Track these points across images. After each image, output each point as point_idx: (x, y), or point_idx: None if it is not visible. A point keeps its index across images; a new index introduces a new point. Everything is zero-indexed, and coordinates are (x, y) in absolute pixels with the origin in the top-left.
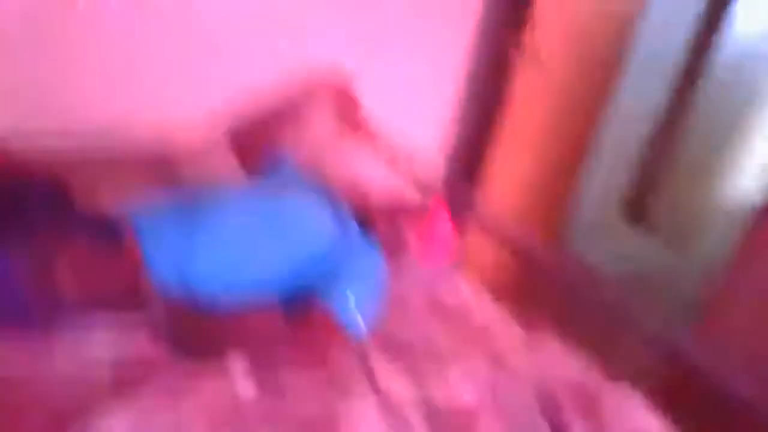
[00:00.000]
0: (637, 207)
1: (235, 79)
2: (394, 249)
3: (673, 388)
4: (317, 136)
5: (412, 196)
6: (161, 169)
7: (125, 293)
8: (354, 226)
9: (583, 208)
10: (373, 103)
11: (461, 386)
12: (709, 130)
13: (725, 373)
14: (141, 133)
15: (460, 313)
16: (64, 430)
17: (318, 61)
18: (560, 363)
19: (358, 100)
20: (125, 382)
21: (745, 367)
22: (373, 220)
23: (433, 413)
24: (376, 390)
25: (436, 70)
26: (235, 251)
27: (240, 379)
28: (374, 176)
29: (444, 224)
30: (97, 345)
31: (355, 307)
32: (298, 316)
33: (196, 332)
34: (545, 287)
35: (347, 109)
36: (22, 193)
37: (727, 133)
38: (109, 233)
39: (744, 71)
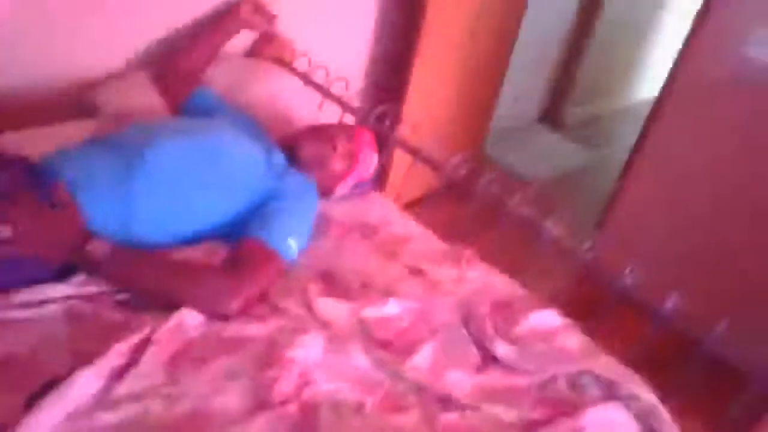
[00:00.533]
0: (554, 112)
1: (153, 10)
2: (321, 174)
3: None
4: (236, 60)
5: (335, 118)
6: (83, 109)
7: (67, 251)
8: (281, 156)
9: (502, 116)
10: (293, 25)
11: (397, 313)
12: (618, 34)
13: (621, 274)
14: (58, 75)
15: (389, 236)
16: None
17: None
18: (485, 279)
19: (275, 21)
20: (80, 336)
21: (643, 264)
22: (298, 147)
23: (371, 341)
24: (317, 319)
25: None
26: (171, 195)
27: (184, 313)
28: (296, 99)
29: (370, 147)
30: (50, 296)
31: (291, 239)
32: (235, 253)
33: (142, 279)
34: (467, 202)
35: (265, 30)
36: None
37: (636, 32)
38: (39, 181)
39: None
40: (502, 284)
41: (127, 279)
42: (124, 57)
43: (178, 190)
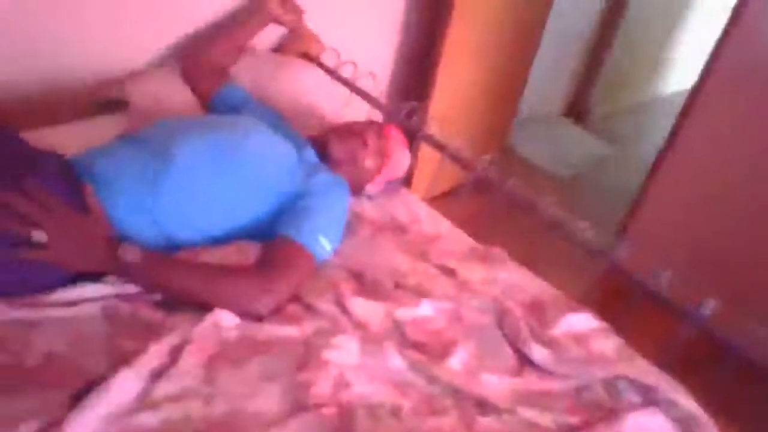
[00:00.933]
0: (579, 106)
1: (181, 7)
2: (352, 172)
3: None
4: (264, 56)
5: (364, 115)
6: (112, 105)
7: (99, 257)
8: (312, 154)
9: (527, 110)
10: (318, 20)
11: (430, 313)
12: (645, 25)
13: (646, 272)
14: (88, 71)
15: (420, 235)
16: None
17: None
18: (515, 279)
19: (303, 15)
20: (118, 335)
21: (671, 265)
22: (329, 145)
23: (406, 343)
24: (351, 320)
25: None
26: (201, 196)
27: (220, 313)
28: (325, 95)
29: (401, 144)
30: (87, 295)
31: (323, 238)
32: (267, 253)
33: (174, 282)
34: (491, 198)
35: (294, 25)
36: None
37: (662, 27)
38: (69, 182)
39: None
40: (533, 284)
41: (159, 283)
42: (152, 52)
43: (207, 189)
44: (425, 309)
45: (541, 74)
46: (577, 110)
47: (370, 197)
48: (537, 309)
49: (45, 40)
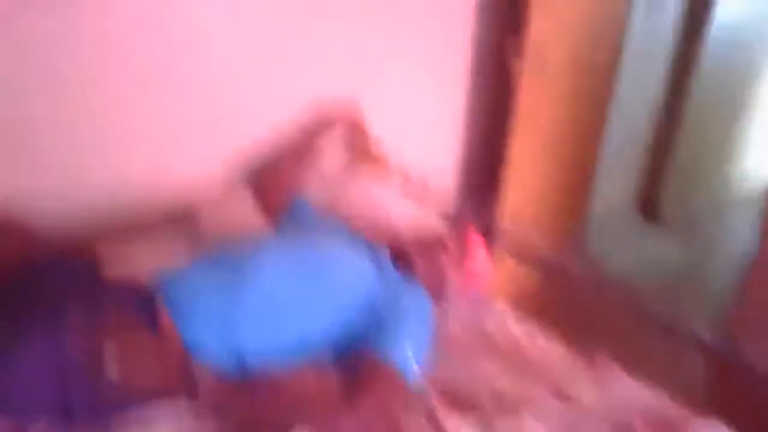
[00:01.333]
0: (653, 204)
1: (248, 124)
2: (433, 283)
3: (725, 392)
4: (333, 173)
5: (437, 225)
6: (185, 225)
7: (171, 378)
8: (391, 267)
9: (599, 212)
10: (382, 132)
11: None
12: (712, 115)
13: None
14: (158, 191)
15: (514, 349)
16: None
17: (326, 94)
18: (629, 392)
19: (369, 131)
20: None
21: None
22: (407, 257)
23: None
24: None
25: (440, 91)
26: (280, 310)
27: None
28: (396, 209)
29: (479, 251)
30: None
31: (409, 352)
32: (352, 371)
33: (252, 410)
34: (575, 299)
35: (359, 142)
36: (48, 272)
37: (730, 117)
38: (145, 306)
39: (737, 51)
40: (646, 394)
41: (237, 412)
42: (221, 168)
43: (284, 308)
44: (532, 429)
45: (608, 168)
46: (649, 203)
47: (453, 307)
48: (660, 423)
49: (113, 159)
